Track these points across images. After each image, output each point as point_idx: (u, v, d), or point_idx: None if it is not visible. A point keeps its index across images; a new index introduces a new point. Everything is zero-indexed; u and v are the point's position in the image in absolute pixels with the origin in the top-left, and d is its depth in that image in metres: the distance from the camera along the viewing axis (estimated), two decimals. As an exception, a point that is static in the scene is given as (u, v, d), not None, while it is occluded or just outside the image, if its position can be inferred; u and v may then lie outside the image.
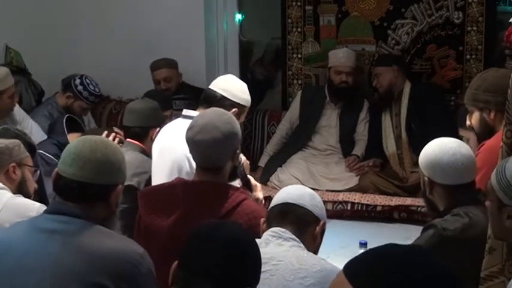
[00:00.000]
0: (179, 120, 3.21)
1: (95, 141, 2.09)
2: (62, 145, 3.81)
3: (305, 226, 2.20)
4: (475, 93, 3.03)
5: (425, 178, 2.58)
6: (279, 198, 2.27)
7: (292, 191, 2.30)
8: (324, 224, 2.27)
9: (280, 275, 1.96)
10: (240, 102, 3.11)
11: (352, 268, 1.16)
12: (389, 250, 1.17)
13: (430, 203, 2.62)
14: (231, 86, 3.15)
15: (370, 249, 1.18)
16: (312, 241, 2.22)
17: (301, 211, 2.21)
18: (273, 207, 2.25)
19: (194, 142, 2.51)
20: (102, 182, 2.05)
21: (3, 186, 2.71)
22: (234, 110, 3.03)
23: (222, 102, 3.06)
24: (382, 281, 1.11)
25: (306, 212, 2.21)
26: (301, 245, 2.15)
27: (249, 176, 2.86)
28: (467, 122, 3.10)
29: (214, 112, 2.61)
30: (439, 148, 2.55)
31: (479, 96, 3.01)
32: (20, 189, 2.76)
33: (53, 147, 4.04)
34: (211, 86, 3.17)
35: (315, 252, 2.24)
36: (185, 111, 3.19)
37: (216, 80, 3.21)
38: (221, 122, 2.50)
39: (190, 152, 2.58)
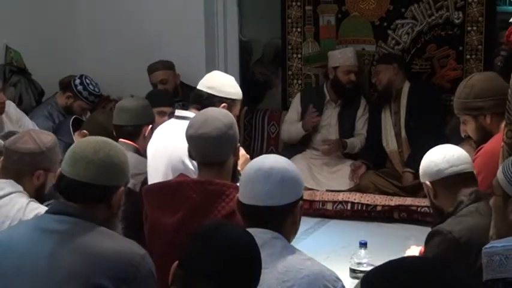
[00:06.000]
0: (172, 121, 3.19)
1: (98, 142, 2.08)
2: (67, 145, 3.81)
3: (280, 221, 2.08)
4: (465, 102, 2.95)
5: (427, 183, 2.59)
6: (246, 191, 2.10)
7: (259, 187, 2.07)
8: (299, 201, 2.11)
9: (265, 285, 1.88)
10: (228, 97, 3.06)
11: (370, 282, 1.16)
12: (406, 263, 1.17)
13: (437, 209, 2.62)
14: (217, 82, 3.11)
15: (389, 262, 1.18)
16: (292, 226, 2.12)
17: (273, 210, 2.05)
18: (241, 206, 2.11)
19: (197, 136, 2.50)
20: (104, 183, 2.04)
21: (20, 189, 2.71)
22: (223, 105, 2.99)
23: (210, 100, 3.03)
24: None
25: (277, 210, 2.06)
26: (283, 239, 2.06)
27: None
28: (463, 133, 3.03)
29: (211, 109, 2.69)
30: (429, 152, 2.62)
31: (470, 104, 2.93)
32: (37, 192, 2.79)
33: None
34: (198, 86, 3.15)
35: (296, 228, 2.14)
36: (178, 112, 3.18)
37: (202, 79, 3.17)
38: (221, 115, 2.57)
39: (192, 149, 2.56)
